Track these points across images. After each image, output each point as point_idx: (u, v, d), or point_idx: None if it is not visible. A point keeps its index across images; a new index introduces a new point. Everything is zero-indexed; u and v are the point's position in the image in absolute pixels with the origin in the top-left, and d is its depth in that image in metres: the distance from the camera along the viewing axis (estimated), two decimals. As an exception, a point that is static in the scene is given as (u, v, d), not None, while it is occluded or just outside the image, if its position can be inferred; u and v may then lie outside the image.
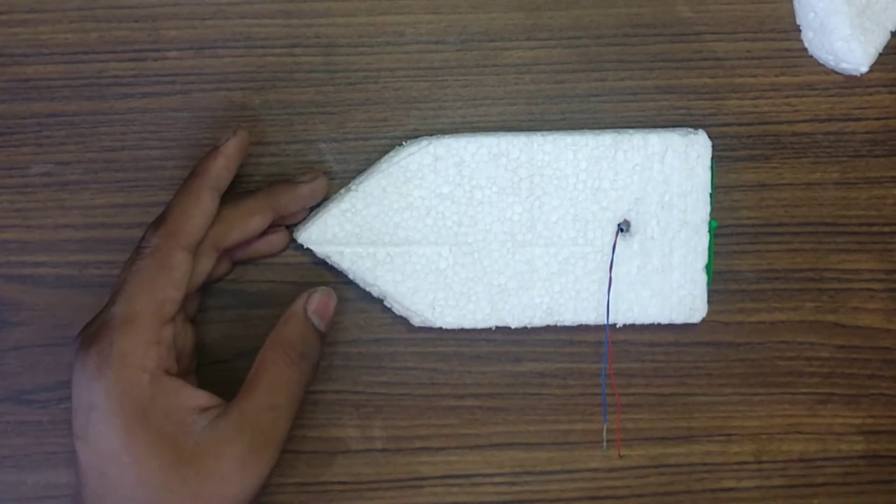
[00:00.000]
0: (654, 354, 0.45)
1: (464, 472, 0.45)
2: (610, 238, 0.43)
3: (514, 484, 0.45)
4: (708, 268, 0.43)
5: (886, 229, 0.46)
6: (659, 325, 0.44)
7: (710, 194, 0.43)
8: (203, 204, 0.39)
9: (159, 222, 0.39)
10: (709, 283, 0.44)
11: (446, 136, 0.43)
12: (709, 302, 0.44)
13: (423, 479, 0.45)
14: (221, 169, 0.40)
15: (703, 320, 0.44)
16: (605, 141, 0.43)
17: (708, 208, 0.43)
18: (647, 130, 0.43)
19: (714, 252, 0.44)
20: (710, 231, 0.43)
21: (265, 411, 0.38)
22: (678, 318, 0.44)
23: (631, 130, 0.43)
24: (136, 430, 0.36)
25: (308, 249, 0.43)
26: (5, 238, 0.44)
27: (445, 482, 0.45)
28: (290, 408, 0.39)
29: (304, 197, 0.43)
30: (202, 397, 0.38)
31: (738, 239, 0.46)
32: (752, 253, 0.46)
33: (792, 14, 0.45)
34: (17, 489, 0.44)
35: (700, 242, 0.43)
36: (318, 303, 0.41)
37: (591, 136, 0.43)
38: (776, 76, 0.45)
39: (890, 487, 0.46)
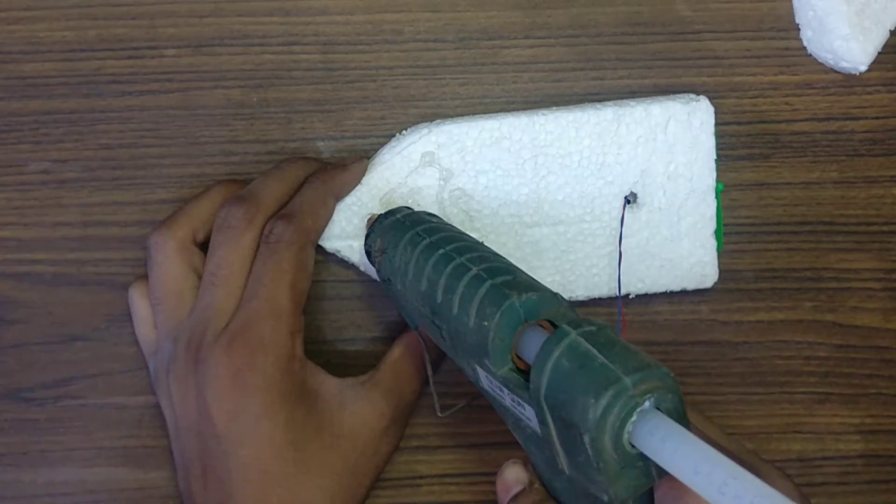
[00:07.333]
0: (652, 353, 0.45)
1: (461, 471, 0.45)
2: (617, 212, 0.43)
3: (511, 483, 0.45)
4: (718, 232, 0.43)
5: (885, 228, 0.46)
6: (656, 323, 0.44)
7: (715, 160, 0.43)
8: (329, 208, 0.42)
9: (288, 217, 0.39)
10: (719, 248, 0.43)
11: (446, 122, 0.43)
12: (719, 266, 0.44)
13: (420, 477, 0.45)
14: (344, 183, 0.42)
15: (702, 319, 0.44)
16: (606, 115, 0.42)
17: (714, 174, 0.43)
18: (648, 100, 0.43)
19: (722, 216, 0.44)
20: (717, 195, 0.43)
21: (405, 384, 0.42)
22: (690, 285, 0.43)
23: (632, 101, 0.43)
24: (298, 414, 0.38)
25: (317, 245, 0.43)
26: (3, 236, 0.44)
27: (443, 481, 0.45)
28: (417, 392, 0.43)
29: (357, 177, 0.42)
30: (329, 375, 0.40)
31: (737, 238, 0.45)
32: (751, 252, 0.46)
33: (791, 13, 0.45)
34: (14, 487, 0.44)
35: (708, 209, 0.43)
36: None
37: (592, 112, 0.42)
38: (775, 75, 0.45)
39: (888, 487, 0.46)
